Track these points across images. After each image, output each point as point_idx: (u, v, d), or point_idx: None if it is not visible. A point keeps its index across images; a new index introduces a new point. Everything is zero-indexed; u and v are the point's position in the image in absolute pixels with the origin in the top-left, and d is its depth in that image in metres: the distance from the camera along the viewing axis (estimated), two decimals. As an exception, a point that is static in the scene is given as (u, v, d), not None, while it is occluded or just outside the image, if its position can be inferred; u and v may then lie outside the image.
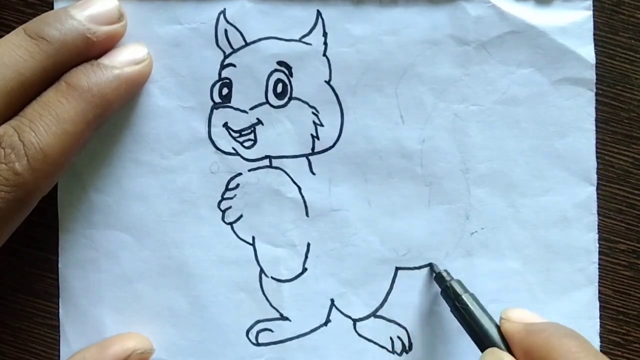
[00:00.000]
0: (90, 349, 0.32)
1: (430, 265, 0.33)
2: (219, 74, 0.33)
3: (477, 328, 0.30)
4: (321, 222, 0.34)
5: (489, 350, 0.29)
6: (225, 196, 0.33)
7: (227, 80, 0.33)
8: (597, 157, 0.34)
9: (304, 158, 0.34)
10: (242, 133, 0.33)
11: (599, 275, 0.34)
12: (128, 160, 0.33)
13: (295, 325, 0.34)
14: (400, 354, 0.34)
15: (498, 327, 0.30)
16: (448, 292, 0.31)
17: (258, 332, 0.33)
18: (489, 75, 0.33)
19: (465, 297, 0.31)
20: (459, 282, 0.32)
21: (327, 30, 0.33)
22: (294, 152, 0.33)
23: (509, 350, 0.29)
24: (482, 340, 0.30)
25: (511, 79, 0.33)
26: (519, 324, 0.29)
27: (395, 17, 0.33)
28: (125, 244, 0.33)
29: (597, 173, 0.34)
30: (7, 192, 0.28)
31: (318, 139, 0.33)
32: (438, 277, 0.32)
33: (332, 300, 0.34)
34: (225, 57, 0.33)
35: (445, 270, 0.32)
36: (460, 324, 0.31)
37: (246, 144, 0.33)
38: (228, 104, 0.33)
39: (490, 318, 0.30)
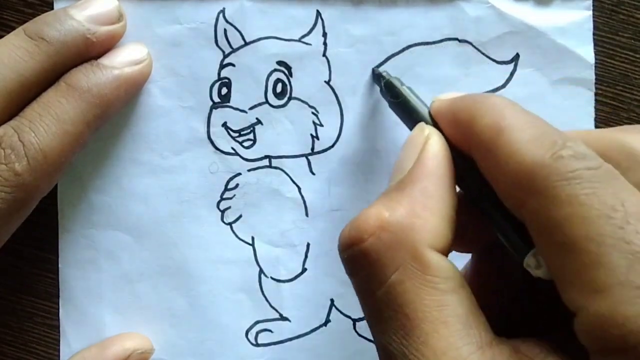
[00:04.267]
0: (91, 349, 0.32)
1: (372, 69, 0.33)
2: (219, 74, 0.33)
3: (408, 114, 0.29)
4: (321, 222, 0.34)
5: (417, 125, 0.27)
6: (224, 196, 0.33)
7: (227, 80, 0.33)
8: (597, 157, 0.34)
9: (304, 158, 0.34)
10: (242, 133, 0.33)
11: (598, 275, 0.34)
12: (128, 160, 0.33)
13: (295, 326, 0.34)
14: (399, 354, 0.34)
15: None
16: (386, 88, 0.30)
17: (258, 333, 0.33)
18: (488, 75, 0.33)
19: (402, 89, 0.30)
20: (397, 78, 0.31)
21: (326, 30, 0.33)
22: (294, 152, 0.33)
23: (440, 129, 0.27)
24: (414, 123, 0.28)
25: (510, 79, 0.33)
26: (446, 99, 0.27)
27: (395, 18, 0.33)
28: (125, 244, 0.33)
29: (597, 173, 0.34)
30: (7, 192, 0.28)
31: (318, 139, 0.33)
32: (377, 76, 0.32)
33: (332, 300, 0.34)
34: (225, 56, 0.33)
35: (386, 71, 0.32)
36: (399, 117, 0.30)
37: (245, 143, 0.33)
38: (227, 104, 0.33)
39: (426, 106, 0.29)
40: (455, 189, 0.25)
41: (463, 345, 0.21)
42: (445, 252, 0.23)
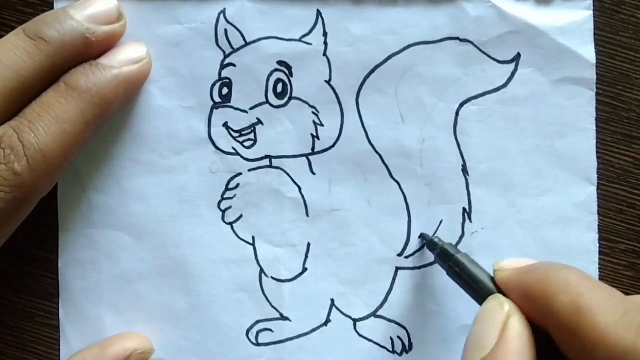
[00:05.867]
0: (91, 349, 0.32)
1: (422, 235, 0.33)
2: (219, 74, 0.33)
3: (474, 284, 0.29)
4: (321, 222, 0.34)
5: (492, 296, 0.27)
6: (225, 196, 0.33)
7: (227, 80, 0.33)
8: (597, 157, 0.34)
9: (304, 158, 0.34)
10: (242, 133, 0.33)
11: (599, 275, 0.34)
12: (128, 160, 0.33)
13: (295, 326, 0.34)
14: (400, 354, 0.34)
15: (494, 281, 0.29)
16: (442, 256, 0.31)
17: (258, 332, 0.33)
18: (489, 75, 0.33)
19: (459, 256, 0.30)
20: (451, 244, 0.31)
21: (327, 30, 0.33)
22: (294, 152, 0.33)
23: None
24: (482, 295, 0.29)
25: (512, 79, 0.33)
26: (511, 270, 0.28)
27: (395, 17, 0.33)
28: (124, 244, 0.33)
29: (598, 173, 0.34)
30: (7, 192, 0.28)
31: (318, 138, 0.33)
32: (430, 244, 0.32)
33: (332, 300, 0.34)
34: (226, 57, 0.33)
35: (437, 237, 0.32)
36: (459, 285, 0.30)
37: (246, 143, 0.33)
38: (228, 104, 0.33)
39: (487, 273, 0.29)
40: None
41: None
42: None
